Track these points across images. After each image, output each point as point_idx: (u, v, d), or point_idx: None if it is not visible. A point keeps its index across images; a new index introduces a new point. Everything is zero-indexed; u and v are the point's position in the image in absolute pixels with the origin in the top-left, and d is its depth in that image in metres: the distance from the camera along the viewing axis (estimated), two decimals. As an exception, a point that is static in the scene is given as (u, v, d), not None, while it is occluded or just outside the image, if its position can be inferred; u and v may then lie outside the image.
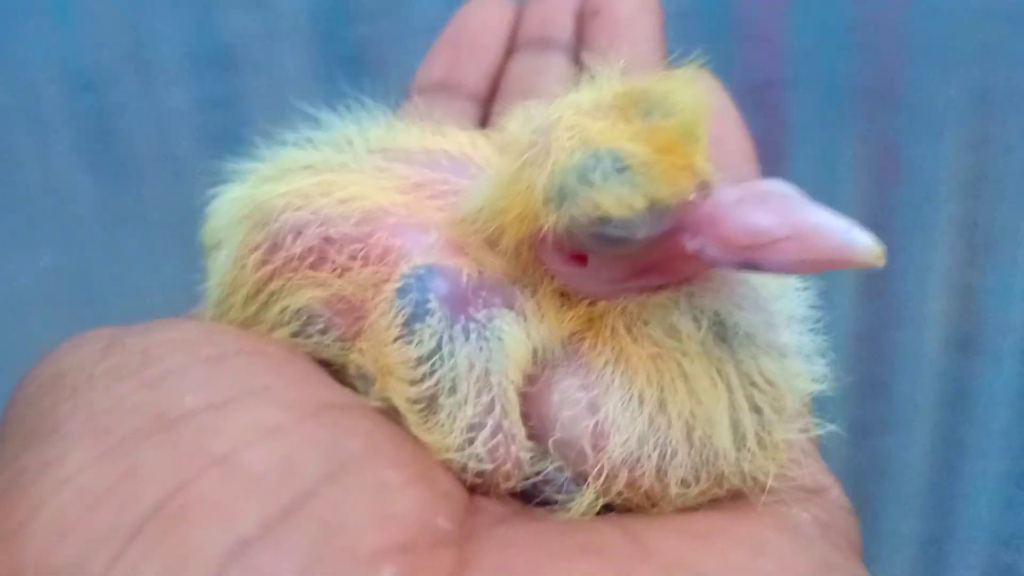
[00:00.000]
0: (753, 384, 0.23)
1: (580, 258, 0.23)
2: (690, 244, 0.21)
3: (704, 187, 0.21)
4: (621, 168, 0.20)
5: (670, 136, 0.20)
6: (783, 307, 0.25)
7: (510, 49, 0.40)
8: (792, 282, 0.25)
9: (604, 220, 0.20)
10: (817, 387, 0.25)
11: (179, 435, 0.19)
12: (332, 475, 0.19)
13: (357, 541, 0.18)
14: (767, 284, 0.24)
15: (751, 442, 0.23)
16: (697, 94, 0.21)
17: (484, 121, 0.38)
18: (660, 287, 0.23)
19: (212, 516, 0.18)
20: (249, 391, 0.21)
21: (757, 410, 0.23)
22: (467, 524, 0.21)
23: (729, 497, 0.24)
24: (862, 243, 0.19)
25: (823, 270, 0.20)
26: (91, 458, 0.19)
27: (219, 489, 0.18)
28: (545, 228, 0.21)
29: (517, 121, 0.29)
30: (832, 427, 0.25)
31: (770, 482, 0.23)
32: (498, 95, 0.39)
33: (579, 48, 0.39)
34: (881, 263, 0.19)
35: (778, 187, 0.20)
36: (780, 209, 0.20)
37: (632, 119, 0.21)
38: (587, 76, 0.24)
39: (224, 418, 0.20)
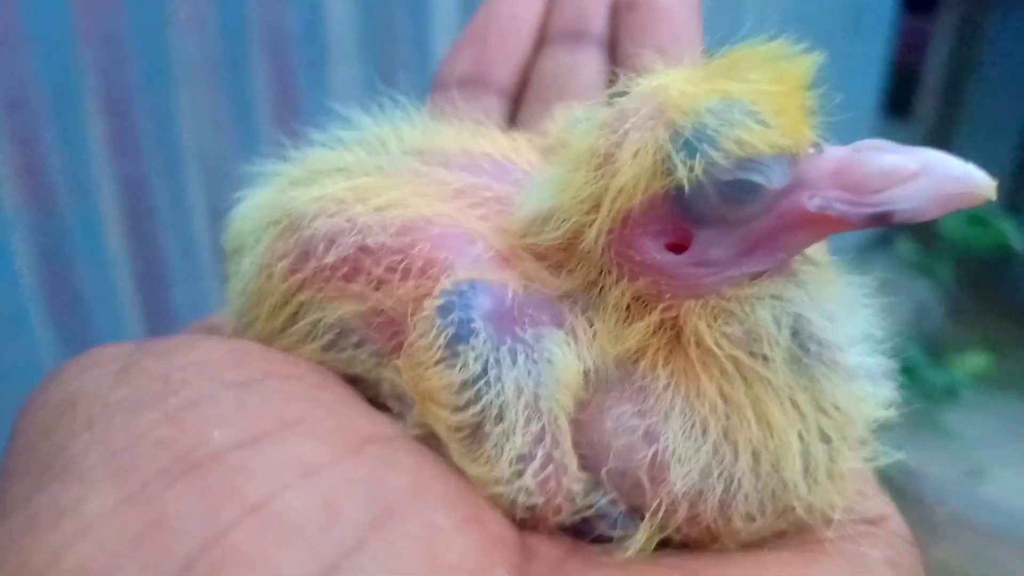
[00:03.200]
0: (822, 410, 0.22)
1: (680, 243, 0.21)
2: (812, 201, 0.20)
3: (817, 146, 0.20)
4: (754, 112, 0.20)
5: (783, 96, 0.20)
6: (849, 325, 0.23)
7: (540, 42, 0.38)
8: (859, 298, 0.24)
9: (743, 162, 0.19)
10: (883, 413, 0.23)
11: (209, 477, 0.17)
12: (378, 521, 0.17)
13: None
14: (837, 296, 0.23)
15: (821, 473, 0.21)
16: (799, 62, 0.20)
17: (512, 118, 0.36)
18: (761, 273, 0.21)
19: (251, 573, 0.16)
20: (282, 423, 0.19)
21: (826, 438, 0.22)
22: (525, 573, 0.19)
23: (793, 531, 0.22)
24: (981, 175, 0.19)
25: (948, 210, 0.20)
26: (112, 504, 0.17)
27: (256, 542, 0.16)
28: (654, 197, 0.20)
29: (560, 123, 0.28)
30: (899, 455, 0.24)
31: (837, 515, 0.22)
32: (529, 92, 0.37)
33: (614, 42, 0.37)
34: (993, 196, 0.19)
35: (880, 141, 0.20)
36: (901, 151, 0.20)
37: (736, 84, 0.20)
38: (626, 73, 0.22)
39: (257, 456, 0.18)
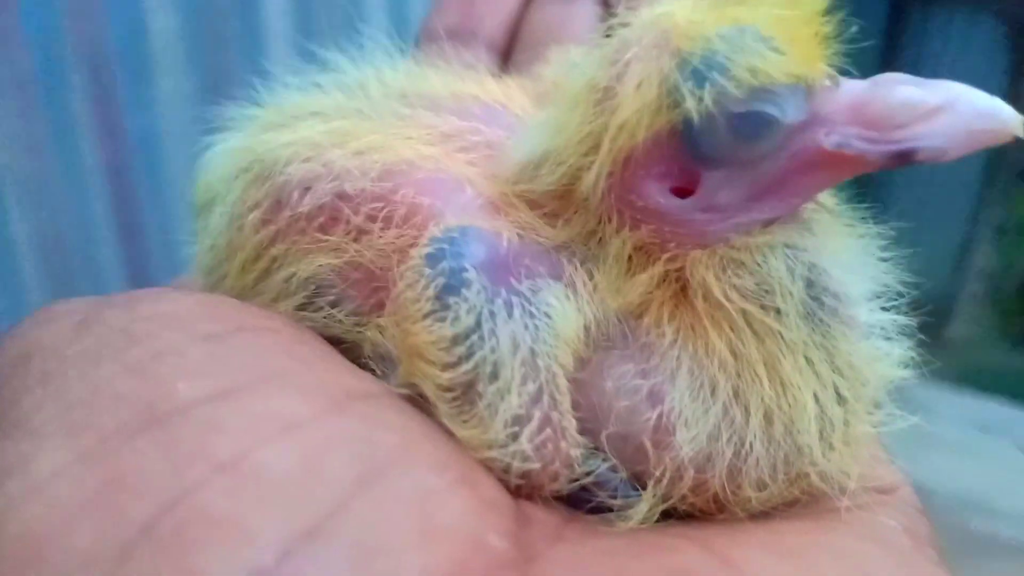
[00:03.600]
0: (837, 369, 0.20)
1: (686, 187, 0.19)
2: (829, 138, 0.19)
3: (833, 79, 0.19)
4: (767, 39, 0.18)
5: (798, 23, 0.18)
6: (864, 279, 0.22)
7: None
8: (875, 250, 0.22)
9: (757, 93, 0.18)
10: (900, 373, 0.22)
11: (174, 432, 0.16)
12: (365, 480, 0.16)
13: (400, 566, 0.15)
14: (851, 248, 0.21)
15: (836, 438, 0.20)
16: None
17: (503, 71, 0.35)
18: (772, 220, 0.20)
19: (218, 538, 0.14)
20: (258, 376, 0.17)
21: (842, 400, 0.20)
22: (520, 539, 0.17)
23: (805, 499, 0.21)
24: (1007, 110, 0.18)
25: (974, 148, 0.18)
26: (65, 462, 0.15)
27: (226, 502, 0.15)
28: (658, 134, 0.19)
29: (556, 66, 0.26)
30: (915, 419, 0.22)
31: (852, 483, 0.20)
32: (519, 45, 0.35)
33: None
34: (1022, 132, 0.18)
35: (901, 75, 0.19)
36: (924, 84, 0.18)
37: (747, 11, 0.19)
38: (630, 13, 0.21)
39: (230, 410, 0.16)
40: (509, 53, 0.35)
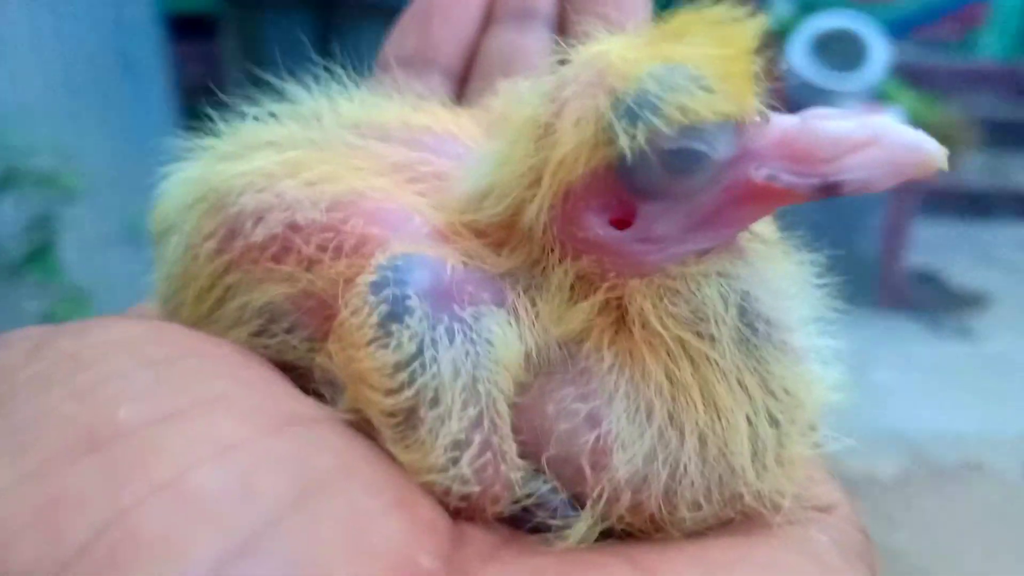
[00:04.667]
0: (770, 392, 0.21)
1: (624, 219, 0.20)
2: (759, 172, 0.19)
3: (763, 115, 0.20)
4: (697, 77, 0.19)
5: (728, 61, 0.19)
6: (799, 305, 0.22)
7: (486, 21, 0.37)
8: (809, 277, 0.23)
9: (687, 130, 0.19)
10: (833, 396, 0.23)
11: (113, 454, 0.16)
12: (298, 500, 0.16)
13: None
14: (786, 275, 0.22)
15: (770, 458, 0.21)
16: (745, 27, 0.19)
17: (458, 98, 0.35)
18: (708, 250, 0.20)
19: (153, 555, 0.15)
20: (199, 400, 0.18)
21: (775, 422, 0.21)
22: (454, 560, 0.18)
23: (740, 519, 0.21)
24: (933, 144, 0.19)
25: (899, 180, 0.19)
26: (8, 482, 0.16)
27: (162, 521, 0.15)
28: (596, 169, 0.19)
29: (505, 98, 0.27)
30: (850, 441, 0.23)
31: (786, 502, 0.21)
32: (475, 71, 0.36)
33: (562, 21, 0.36)
34: (945, 166, 0.19)
35: (829, 110, 0.20)
36: (852, 118, 0.19)
37: (679, 49, 0.19)
38: (572, 48, 0.21)
39: (169, 433, 0.17)
40: (466, 79, 0.36)
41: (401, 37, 0.35)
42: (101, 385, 0.18)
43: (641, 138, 0.18)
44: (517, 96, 0.25)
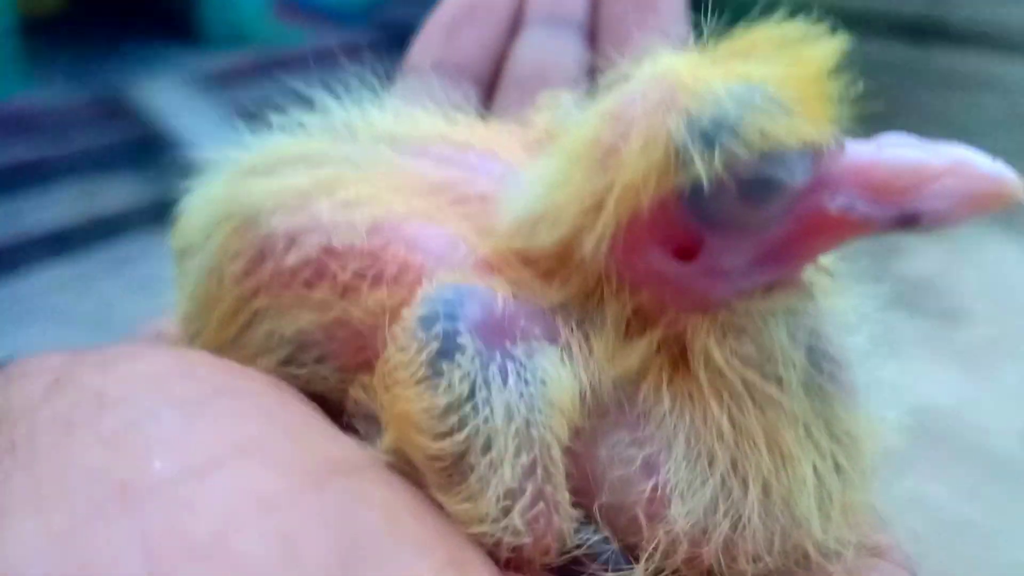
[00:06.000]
0: (835, 438, 0.20)
1: (688, 249, 0.19)
2: (835, 202, 0.18)
3: (838, 141, 0.18)
4: (777, 99, 0.17)
5: (806, 83, 0.18)
6: (859, 342, 0.21)
7: (515, 27, 0.36)
8: (868, 311, 0.22)
9: (766, 156, 0.17)
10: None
11: (148, 513, 0.15)
12: (347, 565, 0.15)
13: None
14: (848, 311, 0.21)
15: (835, 508, 0.19)
16: (819, 46, 0.18)
17: (486, 107, 0.34)
18: (774, 283, 0.19)
19: None
20: (235, 448, 0.17)
21: (839, 470, 0.20)
22: None
23: (800, 569, 0.20)
24: (1009, 173, 0.17)
25: (978, 212, 0.18)
26: (37, 543, 0.15)
27: None
28: (664, 196, 0.18)
29: (547, 113, 0.25)
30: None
31: (849, 553, 0.20)
32: (504, 79, 0.34)
33: (594, 33, 0.35)
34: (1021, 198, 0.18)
35: (904, 137, 0.18)
36: (928, 148, 0.18)
37: (753, 68, 0.18)
38: (618, 57, 0.20)
39: (205, 489, 0.16)
40: (493, 86, 0.34)
41: (427, 43, 0.34)
42: (130, 431, 0.16)
43: (718, 164, 0.17)
44: (565, 113, 0.24)
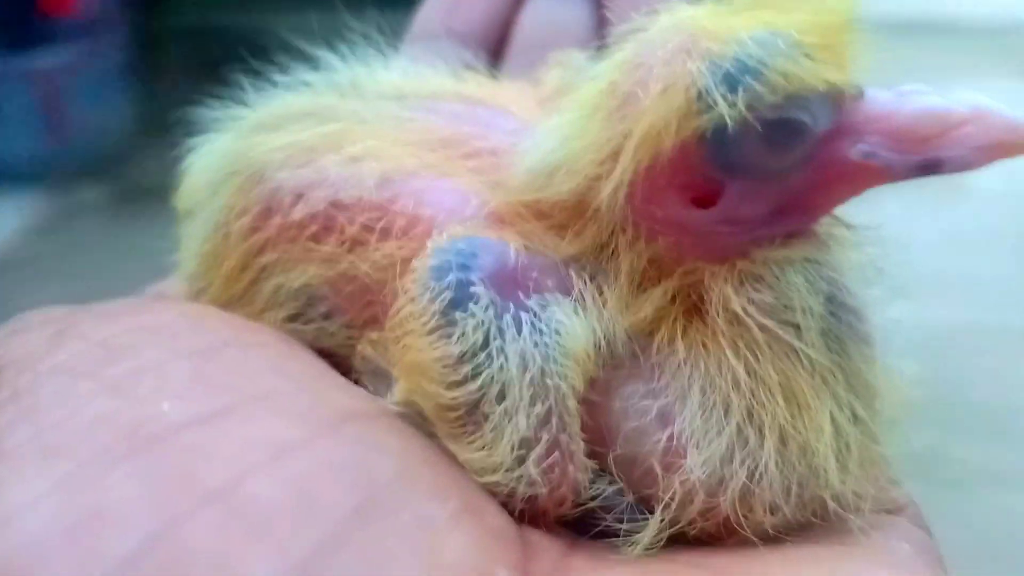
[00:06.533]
0: (854, 388, 0.19)
1: (707, 196, 0.18)
2: (856, 149, 0.18)
3: (858, 89, 0.18)
4: (800, 43, 0.17)
5: (829, 30, 0.18)
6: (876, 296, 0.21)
7: None
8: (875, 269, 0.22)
9: (791, 99, 0.17)
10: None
11: (158, 459, 0.15)
12: (362, 511, 0.15)
13: None
14: (866, 264, 0.21)
15: (852, 460, 0.19)
16: None
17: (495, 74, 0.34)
18: (794, 234, 0.19)
19: (208, 574, 0.13)
20: (248, 397, 0.16)
21: (858, 421, 0.19)
22: (528, 571, 0.16)
23: (818, 522, 0.20)
24: None
25: (998, 159, 0.18)
26: (41, 491, 0.14)
27: (214, 537, 0.14)
28: (685, 141, 0.18)
29: (560, 70, 0.25)
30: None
31: (866, 506, 0.20)
32: (512, 45, 0.34)
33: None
34: None
35: (924, 86, 0.18)
36: (948, 96, 0.18)
37: (776, 15, 0.18)
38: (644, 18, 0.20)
39: (217, 434, 0.15)
40: (499, 52, 0.34)
41: (430, 9, 0.34)
42: (136, 378, 0.16)
43: (742, 106, 0.17)
44: (576, 67, 0.24)
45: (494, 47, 0.34)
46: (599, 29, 0.33)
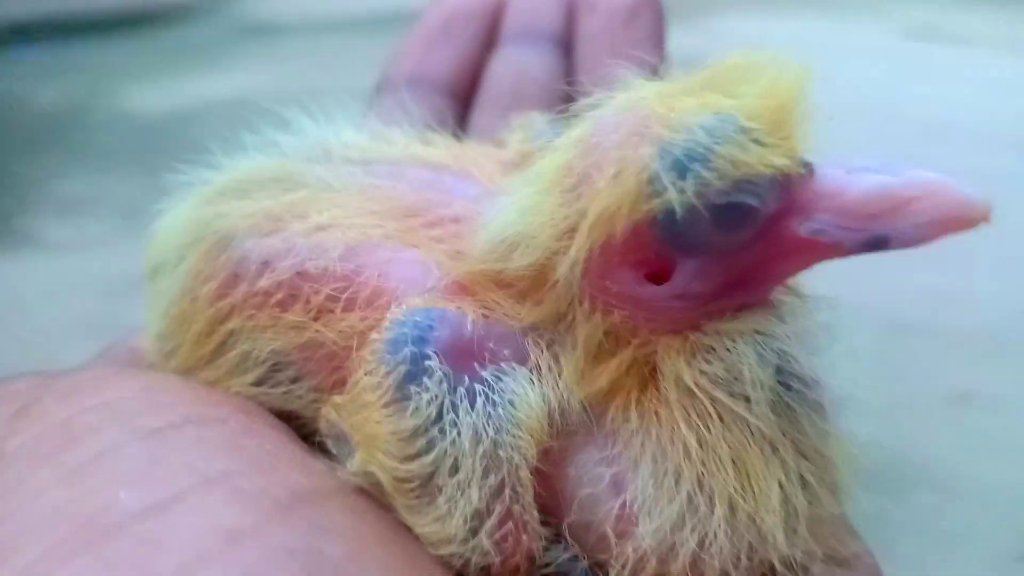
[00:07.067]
0: (803, 454, 0.20)
1: (660, 273, 0.19)
2: (805, 226, 0.18)
3: (807, 166, 0.18)
4: (747, 129, 0.18)
5: (776, 111, 0.18)
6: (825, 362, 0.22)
7: (492, 43, 0.36)
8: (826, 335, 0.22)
9: (738, 183, 0.17)
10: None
11: (113, 551, 0.15)
12: None
13: None
14: (817, 331, 0.21)
15: (801, 523, 0.20)
16: (791, 73, 0.18)
17: (462, 122, 0.34)
18: (747, 306, 0.19)
19: None
20: (202, 480, 0.17)
21: (806, 485, 0.20)
22: None
23: None
24: (978, 197, 0.18)
25: (946, 235, 0.18)
26: None
27: None
28: (637, 222, 0.18)
29: (520, 134, 0.25)
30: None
31: (816, 566, 0.20)
32: (481, 94, 0.34)
33: (571, 47, 0.35)
34: (989, 220, 0.18)
35: (872, 160, 0.19)
36: (899, 172, 0.18)
37: (725, 98, 0.18)
38: (592, 81, 0.20)
39: (172, 523, 0.16)
40: (469, 99, 0.35)
41: (404, 57, 0.34)
42: (95, 464, 0.16)
43: (690, 192, 0.17)
44: (535, 132, 0.24)
45: (464, 94, 0.35)
46: (566, 76, 0.33)
